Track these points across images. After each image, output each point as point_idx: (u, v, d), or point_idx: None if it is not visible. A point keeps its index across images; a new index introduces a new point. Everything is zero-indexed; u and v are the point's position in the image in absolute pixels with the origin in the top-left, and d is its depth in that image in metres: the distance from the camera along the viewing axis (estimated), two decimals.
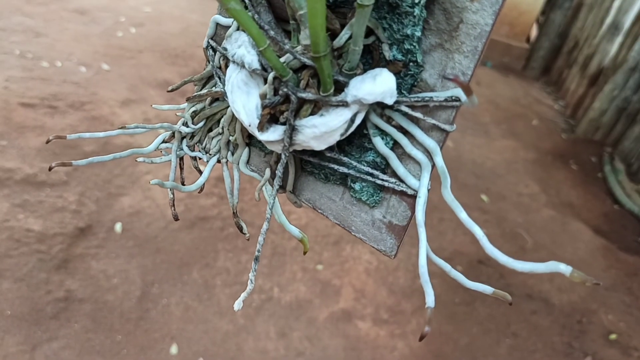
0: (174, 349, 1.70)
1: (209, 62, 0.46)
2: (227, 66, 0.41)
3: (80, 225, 1.98)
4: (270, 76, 0.37)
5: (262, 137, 0.40)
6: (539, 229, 2.64)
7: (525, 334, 2.04)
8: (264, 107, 0.38)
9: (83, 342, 1.65)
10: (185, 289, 1.89)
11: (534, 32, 4.91)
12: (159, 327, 1.75)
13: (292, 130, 0.38)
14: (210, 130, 0.47)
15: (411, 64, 0.36)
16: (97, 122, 2.49)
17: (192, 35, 3.67)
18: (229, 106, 0.41)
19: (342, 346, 1.85)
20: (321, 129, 0.37)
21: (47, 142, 0.44)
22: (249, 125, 0.40)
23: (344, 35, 0.35)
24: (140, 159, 0.46)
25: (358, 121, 0.37)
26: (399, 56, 0.36)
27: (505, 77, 4.58)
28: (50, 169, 0.43)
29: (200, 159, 0.48)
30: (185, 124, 0.47)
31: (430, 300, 0.34)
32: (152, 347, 1.69)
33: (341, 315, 1.95)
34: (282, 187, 0.46)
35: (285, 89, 0.37)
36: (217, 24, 0.45)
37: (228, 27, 0.43)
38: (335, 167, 0.42)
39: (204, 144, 0.47)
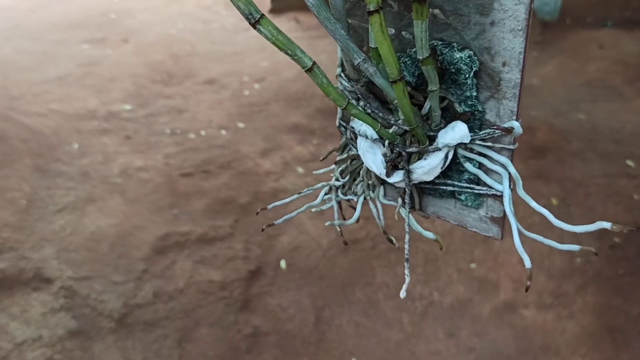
0: None
1: (342, 135, 0.64)
2: (355, 137, 0.58)
3: (251, 268, 2.25)
4: (386, 142, 0.55)
5: (390, 180, 0.58)
6: None
7: None
8: (386, 162, 0.57)
9: None
10: (353, 308, 2.07)
11: None
12: (336, 345, 1.94)
13: (408, 172, 0.55)
14: (354, 179, 0.67)
15: (475, 112, 0.52)
16: (245, 175, 2.80)
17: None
18: (363, 163, 0.58)
19: (511, 336, 1.91)
20: (427, 168, 0.54)
21: (257, 213, 0.65)
22: (380, 174, 0.58)
23: (427, 106, 0.52)
24: (313, 209, 0.66)
25: (450, 157, 0.54)
26: (466, 109, 0.52)
27: (629, 33, 4.32)
28: (262, 230, 0.63)
29: (352, 200, 0.66)
30: (337, 179, 0.67)
31: (527, 263, 0.48)
32: None
33: (504, 307, 2.02)
34: (412, 208, 0.63)
35: (397, 149, 0.55)
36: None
37: None
38: (444, 187, 0.59)
39: (352, 190, 0.65)
